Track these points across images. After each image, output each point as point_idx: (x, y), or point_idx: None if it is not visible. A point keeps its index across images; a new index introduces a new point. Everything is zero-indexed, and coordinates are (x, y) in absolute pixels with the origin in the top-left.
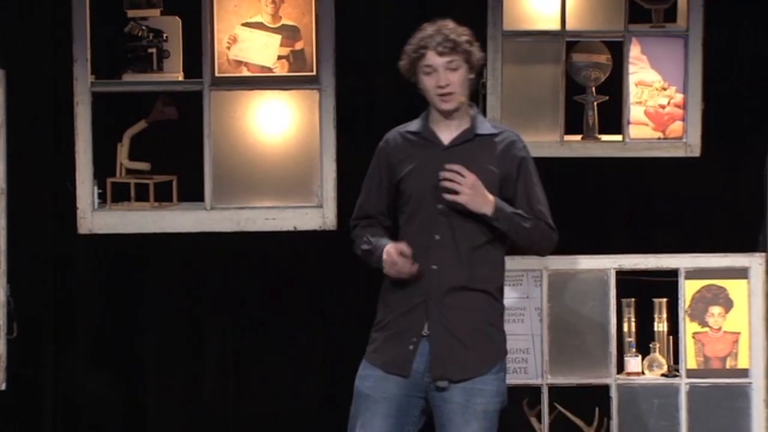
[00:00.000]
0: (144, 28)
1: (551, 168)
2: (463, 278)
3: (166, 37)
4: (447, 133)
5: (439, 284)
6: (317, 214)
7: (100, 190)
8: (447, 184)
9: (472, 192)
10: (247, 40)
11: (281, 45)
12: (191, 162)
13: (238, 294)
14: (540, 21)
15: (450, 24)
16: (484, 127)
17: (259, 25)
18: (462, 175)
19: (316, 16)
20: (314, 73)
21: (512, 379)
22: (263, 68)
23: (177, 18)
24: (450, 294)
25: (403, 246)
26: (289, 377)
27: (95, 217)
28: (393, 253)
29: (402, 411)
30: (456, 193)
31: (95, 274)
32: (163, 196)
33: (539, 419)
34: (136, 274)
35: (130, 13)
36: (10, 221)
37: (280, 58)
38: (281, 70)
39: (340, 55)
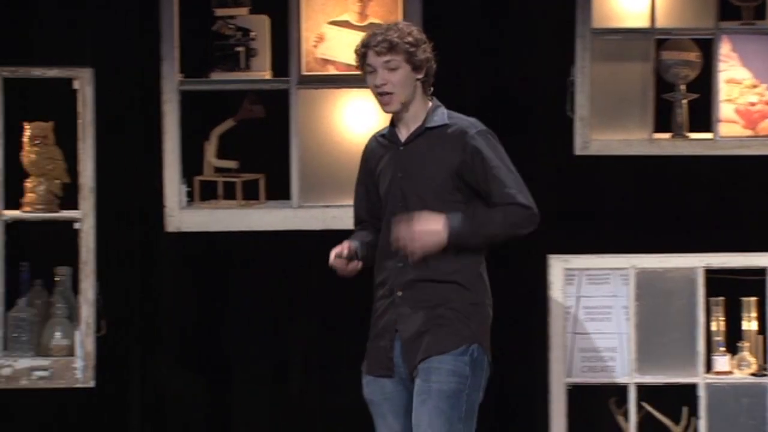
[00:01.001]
0: (232, 26)
1: (640, 166)
2: (427, 272)
3: (254, 35)
4: (405, 131)
5: (404, 280)
6: None
7: (188, 188)
8: (400, 246)
9: (415, 242)
10: (334, 39)
11: None
12: (278, 160)
13: (324, 292)
14: (629, 18)
15: (399, 25)
16: (436, 119)
17: (346, 24)
18: (403, 231)
19: (403, 14)
20: None
21: (599, 378)
22: (350, 66)
23: (265, 16)
24: (414, 287)
25: (339, 248)
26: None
27: (183, 215)
28: (331, 255)
29: (407, 407)
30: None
31: (182, 272)
32: (250, 195)
33: (626, 418)
34: (223, 272)
35: (219, 12)
36: (99, 219)
37: None
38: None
39: None
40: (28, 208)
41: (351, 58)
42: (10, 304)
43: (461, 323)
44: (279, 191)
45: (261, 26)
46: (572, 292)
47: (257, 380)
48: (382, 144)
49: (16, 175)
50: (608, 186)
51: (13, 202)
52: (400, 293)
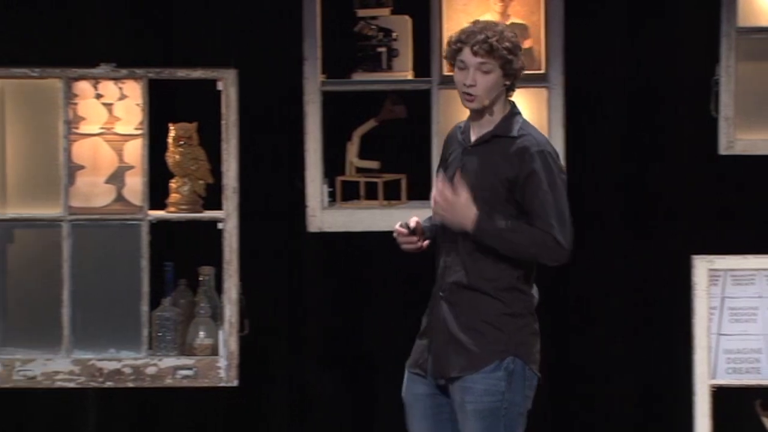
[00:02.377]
0: (374, 27)
1: None
2: (463, 277)
3: (396, 35)
4: (476, 133)
5: (445, 281)
6: None
7: (330, 189)
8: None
9: (448, 211)
10: None
11: None
12: (420, 160)
13: None
14: None
15: (498, 27)
16: (506, 129)
17: None
18: (447, 193)
19: (545, 13)
20: (543, 70)
21: (744, 380)
22: None
23: (407, 17)
24: (451, 291)
25: (409, 221)
26: None
27: (325, 215)
28: (395, 226)
29: (435, 410)
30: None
31: (324, 271)
32: (391, 195)
33: None
34: (364, 272)
35: (360, 13)
36: (242, 220)
37: None
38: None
39: (569, 53)
40: (172, 209)
41: None
42: (154, 304)
43: (493, 336)
44: (420, 191)
45: (403, 26)
46: (717, 293)
47: (400, 379)
48: (457, 138)
49: (161, 175)
50: (753, 186)
51: (158, 202)
52: (441, 294)
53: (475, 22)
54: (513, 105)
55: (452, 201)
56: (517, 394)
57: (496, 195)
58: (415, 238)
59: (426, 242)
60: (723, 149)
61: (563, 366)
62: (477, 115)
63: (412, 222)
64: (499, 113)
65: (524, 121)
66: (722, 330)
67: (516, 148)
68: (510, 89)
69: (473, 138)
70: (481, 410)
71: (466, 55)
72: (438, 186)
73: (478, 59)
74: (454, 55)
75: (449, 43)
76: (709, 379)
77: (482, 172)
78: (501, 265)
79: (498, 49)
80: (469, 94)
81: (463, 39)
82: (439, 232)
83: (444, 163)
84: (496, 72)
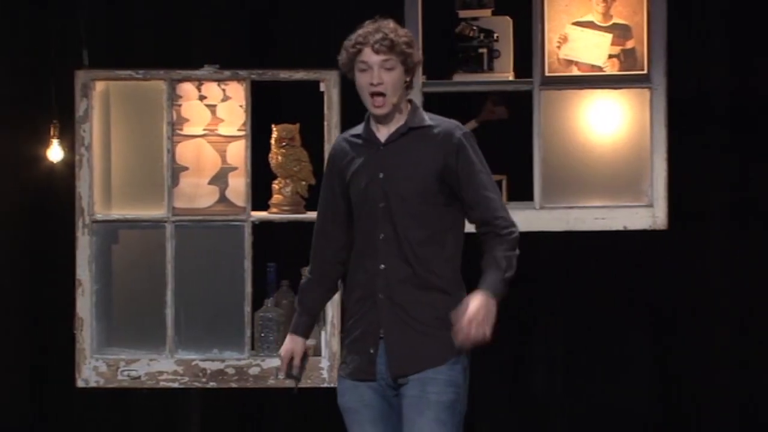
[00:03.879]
0: (475, 28)
1: None
2: (410, 275)
3: (497, 37)
4: (385, 132)
5: (387, 283)
6: (647, 214)
7: None
8: (467, 343)
9: (476, 325)
10: (577, 39)
11: (612, 44)
12: (521, 161)
13: (567, 293)
14: None
15: (391, 24)
16: (420, 119)
17: (590, 24)
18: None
19: (648, 14)
20: (645, 71)
21: None
22: (593, 67)
23: (508, 18)
24: (398, 291)
25: (296, 357)
26: (619, 377)
27: None
28: (284, 360)
29: (386, 415)
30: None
31: None
32: None
33: None
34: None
35: (462, 14)
36: None
37: (610, 56)
38: (611, 68)
39: (672, 53)
40: (275, 210)
41: (594, 59)
42: (257, 305)
43: (448, 331)
44: (521, 192)
45: (504, 28)
46: None
47: (498, 378)
48: (355, 144)
49: (264, 176)
50: None
51: (261, 203)
52: (381, 296)
53: (365, 24)
54: (412, 100)
55: (468, 320)
56: (466, 391)
57: (427, 186)
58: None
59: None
60: None
61: (664, 366)
62: (384, 116)
63: (294, 369)
64: (405, 108)
65: (427, 112)
66: None
67: (438, 135)
68: (409, 85)
69: (384, 137)
70: (444, 401)
71: (368, 55)
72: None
73: (381, 57)
74: (352, 59)
75: (344, 49)
76: None
77: (408, 165)
78: (443, 259)
79: (398, 44)
80: (379, 95)
81: (361, 40)
82: (369, 239)
83: (336, 178)
84: (398, 68)
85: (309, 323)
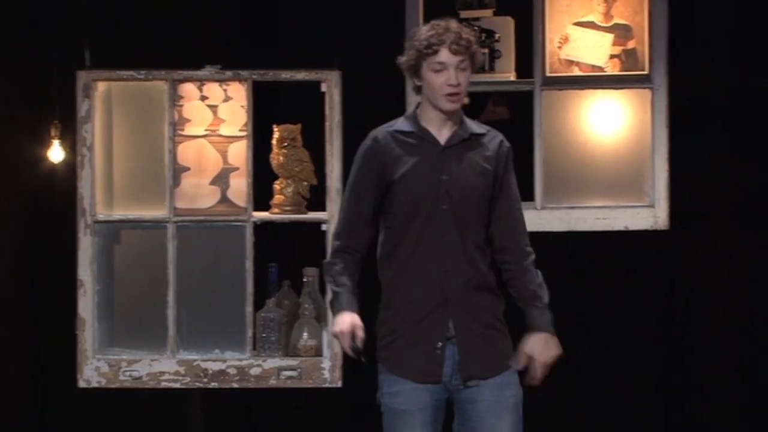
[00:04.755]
0: (476, 28)
1: None
2: (471, 277)
3: (499, 37)
4: (442, 132)
5: (454, 285)
6: (649, 214)
7: None
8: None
9: (546, 369)
10: (578, 40)
11: (613, 44)
12: (522, 161)
13: (568, 293)
14: None
15: (455, 23)
16: (474, 126)
17: (591, 24)
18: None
19: (649, 14)
20: (646, 71)
21: None
22: (595, 67)
23: (509, 18)
24: (465, 293)
25: (358, 329)
26: (621, 377)
27: None
28: (346, 334)
29: (436, 418)
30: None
31: None
32: None
33: None
34: None
35: (463, 14)
36: None
37: (611, 57)
38: (613, 69)
39: (673, 54)
40: (276, 210)
41: (596, 59)
42: (259, 305)
43: (506, 334)
44: (523, 192)
45: (505, 28)
46: None
47: None
48: (405, 142)
49: (266, 177)
50: None
51: (263, 203)
52: (450, 299)
53: (434, 24)
54: None
55: (545, 366)
56: None
57: (485, 193)
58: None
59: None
60: None
61: (668, 367)
62: (450, 114)
63: (361, 333)
64: (460, 110)
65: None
66: None
67: (492, 143)
68: None
69: (442, 136)
70: (517, 403)
71: (445, 55)
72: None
73: (459, 57)
74: (424, 59)
75: (415, 48)
76: None
77: (471, 170)
78: (489, 262)
79: (472, 44)
80: (454, 95)
81: (436, 41)
82: (428, 241)
83: (379, 174)
84: (469, 68)
85: (352, 299)
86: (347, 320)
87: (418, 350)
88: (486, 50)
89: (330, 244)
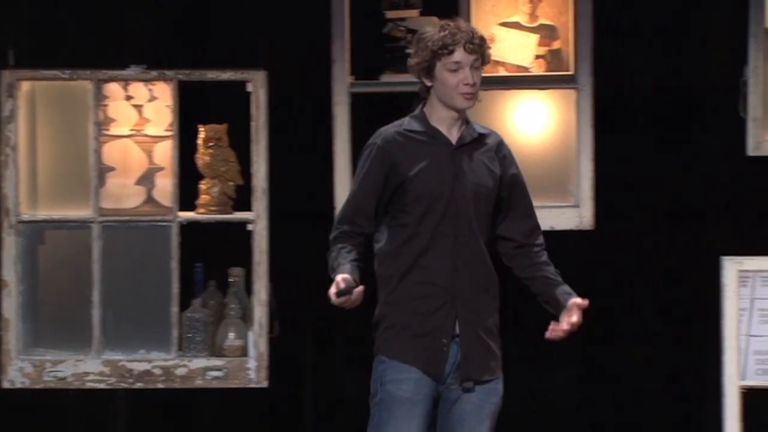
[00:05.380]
0: (402, 28)
1: None
2: (479, 276)
3: None
4: (451, 132)
5: (463, 284)
6: (574, 214)
7: None
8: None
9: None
10: (504, 40)
11: (538, 44)
12: None
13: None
14: None
15: (466, 23)
16: (477, 127)
17: (517, 25)
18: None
19: (574, 15)
20: (571, 72)
21: (766, 381)
22: (520, 68)
23: (435, 18)
24: (472, 294)
25: (339, 280)
26: (548, 376)
27: None
28: (331, 291)
29: (430, 412)
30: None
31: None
32: None
33: None
34: None
35: (389, 14)
36: (271, 221)
37: (537, 57)
38: (538, 69)
39: (598, 54)
40: (202, 210)
41: (521, 59)
42: (184, 305)
43: (498, 338)
44: None
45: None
46: (746, 294)
47: None
48: (416, 140)
49: (191, 177)
50: None
51: (188, 203)
52: (459, 297)
53: (445, 24)
54: None
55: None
56: None
57: (491, 194)
58: (356, 294)
59: (360, 287)
60: (751, 150)
61: (592, 367)
62: (460, 114)
63: (343, 283)
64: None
65: None
66: (752, 331)
67: (494, 144)
68: None
69: (453, 137)
70: (496, 411)
71: (460, 55)
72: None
73: (473, 57)
74: (438, 58)
75: (428, 48)
76: (738, 381)
77: (481, 170)
78: (491, 262)
79: (484, 43)
80: (471, 93)
81: (450, 41)
82: (442, 239)
83: (389, 170)
84: (481, 68)
85: (353, 267)
86: (344, 275)
87: (425, 343)
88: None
89: (333, 230)
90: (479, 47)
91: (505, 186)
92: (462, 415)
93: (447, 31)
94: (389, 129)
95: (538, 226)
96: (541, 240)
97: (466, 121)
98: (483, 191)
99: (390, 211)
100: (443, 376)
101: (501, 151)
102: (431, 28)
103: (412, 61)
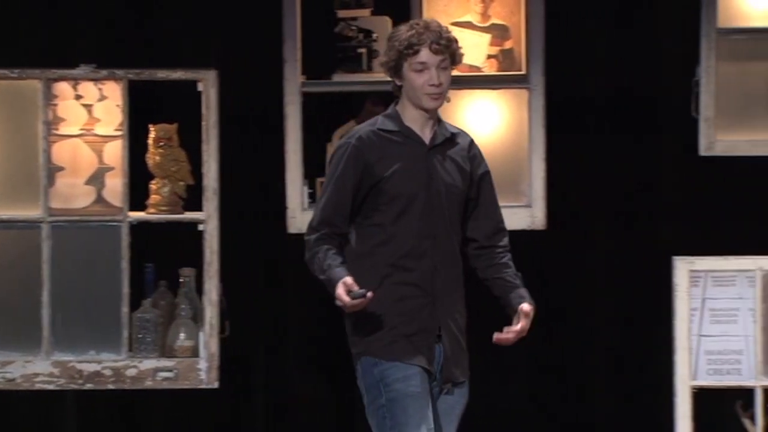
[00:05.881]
0: (354, 28)
1: (766, 166)
2: (455, 276)
3: (376, 36)
4: (424, 131)
5: (442, 285)
6: (526, 214)
7: (310, 190)
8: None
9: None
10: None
11: (490, 44)
12: None
13: None
14: (755, 18)
15: (435, 22)
16: (448, 126)
17: (469, 24)
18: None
19: (526, 14)
20: (523, 72)
21: (725, 381)
22: (472, 67)
23: (387, 18)
24: (449, 294)
25: (344, 288)
26: (500, 376)
27: (305, 217)
28: (340, 292)
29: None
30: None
31: (304, 273)
32: None
33: (753, 421)
34: None
35: (341, 14)
36: (222, 221)
37: (489, 57)
38: (490, 69)
39: (550, 54)
40: (152, 210)
41: (473, 59)
42: (135, 306)
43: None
44: None
45: (383, 27)
46: (698, 294)
47: None
48: (390, 140)
49: (141, 176)
50: (734, 187)
51: (138, 203)
52: (439, 297)
53: (414, 24)
54: None
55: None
56: None
57: (462, 195)
58: (364, 300)
59: (371, 293)
60: (703, 150)
61: (544, 367)
62: (431, 113)
63: (355, 286)
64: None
65: None
66: (703, 331)
67: (464, 144)
68: None
69: (426, 137)
70: (462, 411)
71: (425, 55)
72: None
73: (439, 57)
74: (405, 59)
75: (395, 48)
76: (690, 381)
77: (454, 170)
78: (461, 264)
79: (452, 43)
80: (437, 94)
81: (415, 41)
82: (418, 240)
83: (363, 171)
84: (449, 67)
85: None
86: (341, 289)
87: (418, 341)
88: (364, 50)
89: (306, 237)
90: (446, 47)
91: (474, 186)
92: (441, 414)
93: (414, 31)
94: (363, 128)
95: (502, 228)
96: (505, 242)
97: (438, 121)
98: (455, 191)
99: (362, 211)
100: (434, 375)
101: (471, 151)
102: (404, 26)
103: (381, 59)
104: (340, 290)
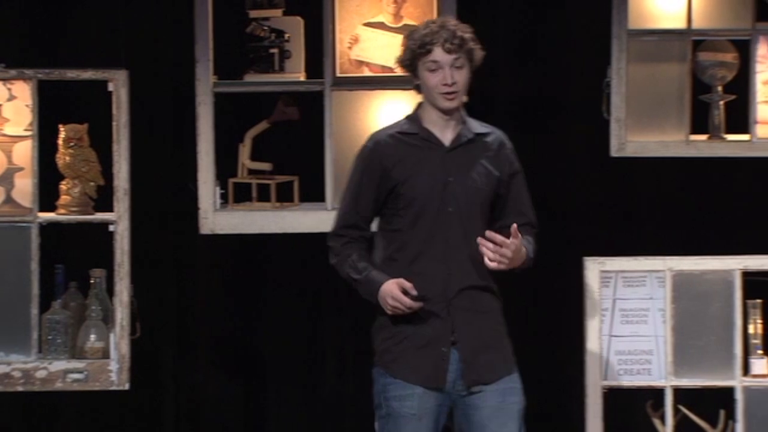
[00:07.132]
0: (266, 28)
1: (676, 168)
2: (477, 278)
3: (288, 37)
4: (445, 133)
5: (459, 288)
6: None
7: (222, 191)
8: (490, 255)
9: (512, 259)
10: (368, 40)
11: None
12: (312, 162)
13: (358, 294)
14: (665, 19)
15: (454, 21)
16: (477, 126)
17: (381, 25)
18: (502, 247)
19: (438, 15)
20: None
21: (636, 381)
22: (384, 68)
23: (299, 18)
24: (468, 296)
25: (407, 284)
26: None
27: (217, 217)
28: (397, 293)
29: (438, 424)
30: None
31: (216, 274)
32: (284, 197)
33: (663, 421)
34: (257, 274)
35: (252, 14)
36: (133, 222)
37: None
38: (402, 70)
39: None
40: (62, 211)
41: (385, 60)
42: (45, 307)
43: (507, 336)
44: (313, 193)
45: (295, 28)
46: (608, 295)
47: (292, 382)
48: (408, 143)
49: (52, 177)
50: (645, 188)
51: (48, 204)
52: (455, 302)
53: (429, 22)
54: None
55: (513, 251)
56: None
57: (488, 195)
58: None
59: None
60: (614, 151)
61: None
62: (449, 113)
63: (413, 290)
64: (461, 109)
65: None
66: (614, 331)
67: (495, 144)
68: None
69: (446, 137)
70: (521, 409)
71: (439, 54)
72: (496, 240)
73: (453, 56)
74: (419, 58)
75: (410, 48)
76: (600, 381)
77: (477, 172)
78: (484, 264)
79: (467, 42)
80: (451, 93)
81: (429, 40)
82: (433, 243)
83: (381, 176)
84: (466, 66)
85: (380, 273)
86: (390, 288)
87: (425, 354)
88: (276, 50)
89: (331, 243)
90: (459, 46)
91: (503, 186)
92: (483, 421)
93: (428, 30)
94: (383, 132)
95: (531, 222)
96: (528, 230)
97: (462, 121)
98: (477, 193)
99: (384, 216)
100: (447, 386)
101: (502, 149)
102: (421, 25)
103: (398, 58)
104: (397, 291)
